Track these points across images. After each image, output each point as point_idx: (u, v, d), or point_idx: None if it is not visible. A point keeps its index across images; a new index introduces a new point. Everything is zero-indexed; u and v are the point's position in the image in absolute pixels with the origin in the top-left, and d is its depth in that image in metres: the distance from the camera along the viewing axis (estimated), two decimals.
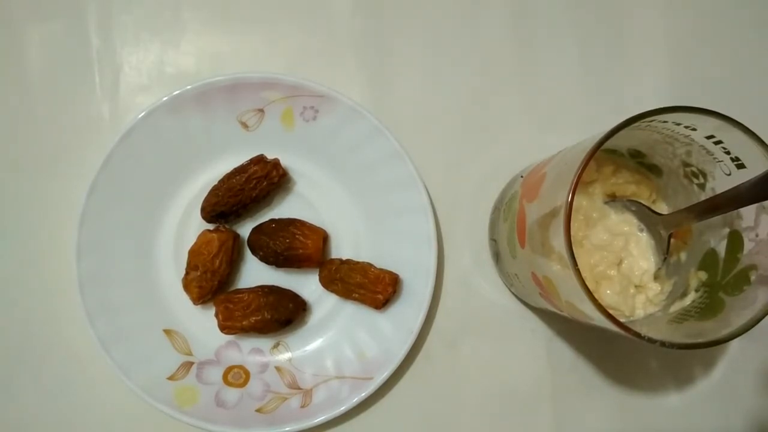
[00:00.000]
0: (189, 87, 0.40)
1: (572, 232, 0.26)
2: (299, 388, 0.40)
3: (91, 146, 0.43)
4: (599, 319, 0.26)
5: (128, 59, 0.44)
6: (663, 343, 0.26)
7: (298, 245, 0.40)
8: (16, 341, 0.43)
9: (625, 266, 0.34)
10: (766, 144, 0.26)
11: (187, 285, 0.40)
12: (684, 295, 0.33)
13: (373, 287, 0.39)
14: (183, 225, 0.42)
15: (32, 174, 0.43)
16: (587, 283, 0.25)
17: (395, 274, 0.40)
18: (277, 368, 0.41)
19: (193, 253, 0.40)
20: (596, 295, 0.25)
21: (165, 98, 0.40)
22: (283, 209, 0.42)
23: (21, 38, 0.44)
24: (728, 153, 0.28)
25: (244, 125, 0.41)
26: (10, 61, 0.44)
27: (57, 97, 0.44)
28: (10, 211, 0.43)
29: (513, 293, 0.43)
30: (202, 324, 0.41)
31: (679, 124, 0.28)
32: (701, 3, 0.45)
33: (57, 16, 0.44)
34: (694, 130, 0.28)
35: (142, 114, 0.40)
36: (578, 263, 0.25)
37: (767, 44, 0.45)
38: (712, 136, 0.28)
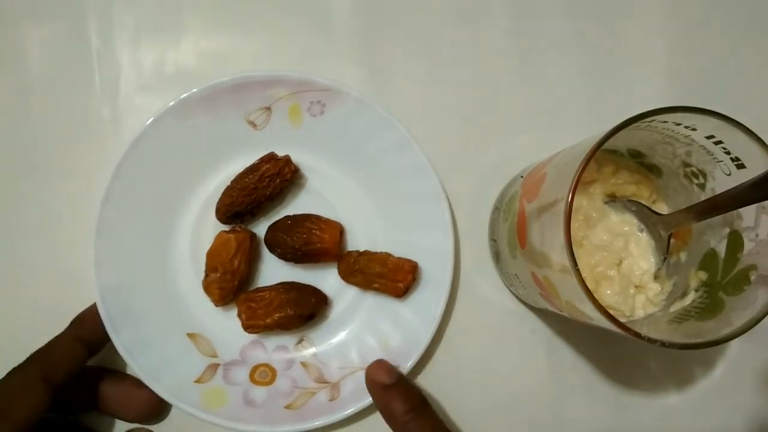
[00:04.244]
0: (195, 90, 0.40)
1: (572, 232, 0.26)
2: (326, 382, 0.40)
3: (91, 146, 0.43)
4: (599, 319, 0.26)
5: (128, 59, 0.44)
6: (663, 343, 0.26)
7: (315, 240, 0.40)
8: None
9: (625, 266, 0.34)
10: (766, 144, 0.26)
11: (207, 287, 0.40)
12: (684, 295, 0.33)
13: (393, 276, 0.39)
14: (198, 228, 0.42)
15: (32, 174, 0.43)
16: (587, 283, 0.25)
17: (414, 262, 0.40)
18: (303, 364, 0.41)
19: (211, 254, 0.40)
20: (596, 295, 0.25)
21: (172, 103, 0.40)
22: (297, 206, 0.42)
23: (21, 38, 0.44)
24: (728, 153, 0.28)
25: (252, 124, 0.42)
26: (10, 61, 0.44)
27: (57, 97, 0.44)
28: (10, 212, 0.43)
29: (513, 293, 0.43)
30: (224, 325, 0.41)
31: (679, 124, 0.28)
32: (701, 3, 0.45)
33: (57, 16, 0.44)
34: (694, 130, 0.28)
35: (150, 120, 0.39)
36: (578, 263, 0.25)
37: (767, 44, 0.45)
38: (712, 136, 0.28)
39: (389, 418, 0.37)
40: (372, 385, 0.39)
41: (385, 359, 0.40)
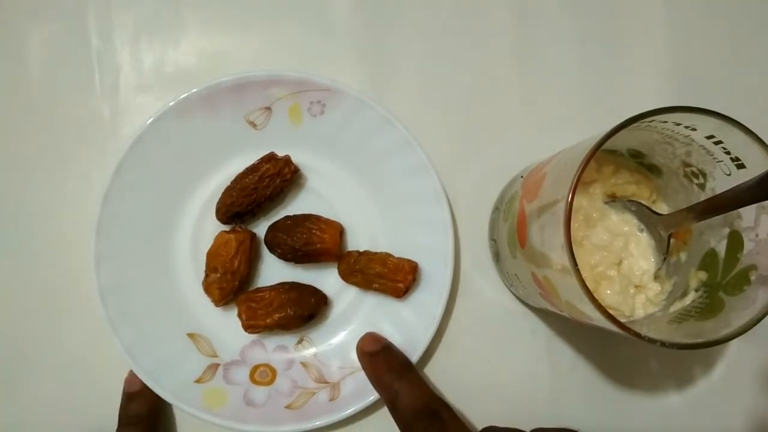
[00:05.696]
0: (195, 90, 0.40)
1: (572, 232, 0.26)
2: (326, 382, 0.40)
3: (91, 146, 0.43)
4: (599, 319, 0.26)
5: (128, 59, 0.44)
6: (663, 343, 0.26)
7: (315, 240, 0.40)
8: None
9: (625, 266, 0.34)
10: (766, 144, 0.26)
11: (207, 287, 0.40)
12: (684, 295, 0.33)
13: (393, 276, 0.39)
14: (198, 228, 0.42)
15: (32, 173, 0.43)
16: (587, 283, 0.25)
17: (414, 262, 0.40)
18: (303, 364, 0.41)
19: (212, 255, 0.40)
20: (596, 295, 0.25)
21: (172, 103, 0.40)
22: (297, 206, 0.42)
23: (21, 38, 0.44)
24: (728, 153, 0.28)
25: (252, 124, 0.42)
26: (10, 61, 0.44)
27: (57, 97, 0.44)
28: (10, 211, 0.43)
29: (513, 293, 0.43)
30: (225, 325, 0.41)
31: (679, 124, 0.28)
32: (701, 3, 0.45)
33: (57, 16, 0.44)
34: (694, 130, 0.28)
35: (150, 120, 0.39)
36: (578, 263, 0.25)
37: (767, 44, 0.45)
38: (712, 136, 0.28)
39: (376, 384, 0.38)
40: (360, 354, 0.40)
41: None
